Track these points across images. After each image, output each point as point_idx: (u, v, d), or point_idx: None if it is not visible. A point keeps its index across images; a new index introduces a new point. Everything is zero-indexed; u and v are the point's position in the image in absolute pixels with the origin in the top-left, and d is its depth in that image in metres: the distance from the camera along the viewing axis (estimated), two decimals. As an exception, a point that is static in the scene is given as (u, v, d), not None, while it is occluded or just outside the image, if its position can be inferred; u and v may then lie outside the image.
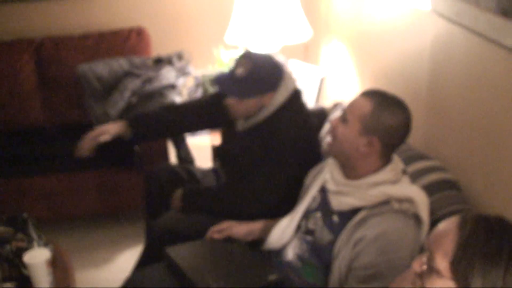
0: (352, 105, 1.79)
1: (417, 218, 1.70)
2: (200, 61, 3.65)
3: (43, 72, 3.58)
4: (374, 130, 1.74)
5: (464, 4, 1.84)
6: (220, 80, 2.28)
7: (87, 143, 2.47)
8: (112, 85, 3.37)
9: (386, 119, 1.74)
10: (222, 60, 3.40)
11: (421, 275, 1.16)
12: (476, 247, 1.08)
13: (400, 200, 1.71)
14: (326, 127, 1.95)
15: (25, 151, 3.36)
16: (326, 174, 1.91)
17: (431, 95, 2.23)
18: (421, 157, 2.06)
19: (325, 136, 1.89)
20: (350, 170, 1.82)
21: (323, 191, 1.92)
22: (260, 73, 2.19)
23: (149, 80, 3.32)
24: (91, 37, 3.65)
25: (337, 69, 3.34)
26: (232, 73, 2.23)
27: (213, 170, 2.68)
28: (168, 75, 3.37)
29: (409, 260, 1.51)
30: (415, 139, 2.11)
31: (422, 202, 1.71)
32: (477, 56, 1.86)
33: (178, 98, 3.25)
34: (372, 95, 1.78)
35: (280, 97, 2.22)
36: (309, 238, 1.89)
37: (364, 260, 1.68)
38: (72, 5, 3.80)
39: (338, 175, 1.85)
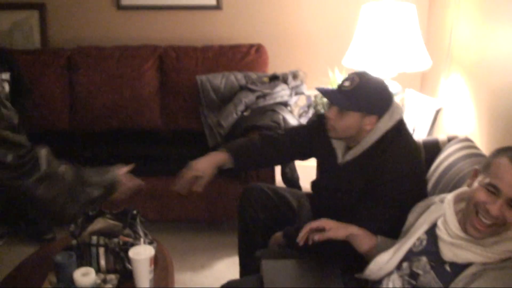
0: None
1: None
2: (314, 81, 3.65)
3: (164, 78, 3.75)
4: None
5: None
6: (326, 90, 2.24)
7: (184, 184, 2.46)
8: (227, 97, 3.46)
9: None
10: (336, 82, 3.39)
11: None
12: None
13: None
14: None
15: (140, 152, 3.52)
16: (438, 221, 1.82)
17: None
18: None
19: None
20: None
21: (430, 234, 1.84)
22: (367, 91, 2.10)
23: (263, 96, 3.37)
24: (212, 50, 3.77)
25: (454, 101, 3.23)
26: (339, 86, 2.17)
27: (307, 195, 2.64)
28: (282, 92, 3.41)
29: None
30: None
31: None
32: None
33: (289, 116, 3.26)
34: None
35: (383, 125, 2.12)
36: (413, 282, 1.81)
37: None
38: (196, 17, 3.96)
39: (455, 227, 1.73)
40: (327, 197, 2.29)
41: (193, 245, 3.39)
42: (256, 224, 2.50)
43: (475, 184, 1.69)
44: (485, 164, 1.69)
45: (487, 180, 1.64)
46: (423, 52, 3.19)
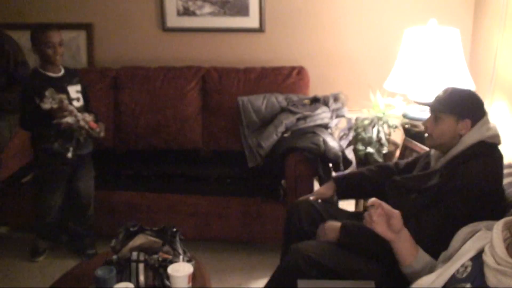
0: None
1: None
2: (355, 104, 3.65)
3: (206, 99, 3.80)
4: None
5: None
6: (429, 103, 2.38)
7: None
8: (268, 119, 3.48)
9: None
10: (378, 106, 3.37)
11: None
12: None
13: None
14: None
15: (180, 170, 3.58)
16: (485, 247, 1.79)
17: None
18: None
19: None
20: None
21: (476, 261, 1.81)
22: (459, 96, 2.25)
23: (304, 118, 3.38)
24: (254, 71, 3.81)
25: (497, 126, 3.17)
26: (435, 97, 2.31)
27: (357, 214, 2.63)
28: (322, 115, 3.41)
29: None
30: None
31: None
32: None
33: (329, 138, 3.26)
34: None
35: (476, 133, 2.20)
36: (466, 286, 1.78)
37: None
38: (239, 40, 4.02)
39: (502, 253, 1.71)
40: (399, 197, 2.36)
41: (231, 264, 3.39)
42: (300, 236, 2.50)
43: None
44: None
45: None
46: (466, 76, 3.16)
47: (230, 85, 3.77)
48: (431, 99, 3.12)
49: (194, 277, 2.25)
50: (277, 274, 2.33)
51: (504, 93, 3.12)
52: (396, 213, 2.00)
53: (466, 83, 3.13)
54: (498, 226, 1.78)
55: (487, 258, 1.72)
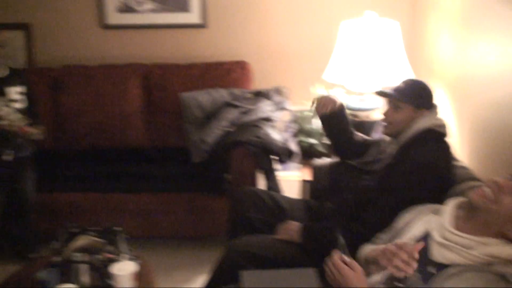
0: None
1: None
2: (297, 97, 3.69)
3: (149, 96, 3.77)
4: None
5: None
6: (383, 91, 2.45)
7: None
8: (211, 114, 3.48)
9: None
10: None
11: None
12: None
13: (505, 262, 1.64)
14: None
15: (124, 169, 3.54)
16: (433, 223, 1.85)
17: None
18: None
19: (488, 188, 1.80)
20: (470, 227, 1.74)
21: (424, 238, 1.86)
22: (419, 88, 2.37)
23: (247, 112, 3.39)
24: (196, 67, 3.80)
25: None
26: (394, 88, 2.40)
27: (302, 201, 2.68)
28: (265, 108, 3.44)
29: None
30: None
31: None
32: None
33: (272, 131, 3.28)
34: None
35: (428, 120, 2.32)
36: (399, 284, 1.83)
37: None
38: (181, 36, 4.00)
39: (449, 224, 1.78)
40: (353, 180, 2.47)
41: (178, 261, 3.38)
42: (244, 222, 2.53)
43: None
44: None
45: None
46: (406, 67, 3.23)
47: (173, 81, 3.75)
48: (371, 89, 3.22)
49: (139, 276, 2.23)
50: (217, 271, 2.34)
51: (443, 82, 3.21)
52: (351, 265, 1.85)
53: (405, 73, 3.20)
54: (451, 204, 1.85)
55: (435, 233, 1.79)
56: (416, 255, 1.74)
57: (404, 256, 1.75)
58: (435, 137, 2.31)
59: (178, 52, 4.02)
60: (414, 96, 2.35)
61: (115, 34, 4.04)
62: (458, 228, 1.76)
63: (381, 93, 2.45)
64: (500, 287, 1.60)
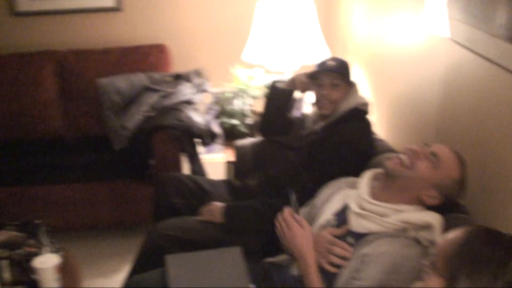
0: (448, 160, 1.78)
1: (431, 243, 1.69)
2: (218, 78, 3.68)
3: (64, 83, 3.64)
4: (445, 193, 1.78)
5: (477, 31, 1.85)
6: (319, 70, 2.45)
7: None
8: (131, 99, 3.41)
9: (457, 193, 1.81)
10: (239, 78, 3.43)
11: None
12: (469, 251, 1.17)
13: (418, 228, 1.72)
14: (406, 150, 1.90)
15: (43, 160, 3.41)
16: (351, 194, 1.90)
17: (442, 121, 2.22)
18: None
19: (397, 156, 1.87)
20: (387, 195, 1.81)
21: (339, 214, 1.91)
22: (347, 65, 2.45)
23: (167, 96, 3.36)
24: (113, 52, 3.71)
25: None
26: (326, 67, 2.42)
27: (225, 182, 2.69)
28: (185, 91, 3.41)
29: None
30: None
31: (439, 227, 1.71)
32: (488, 83, 1.86)
33: (194, 114, 3.27)
34: (464, 165, 1.80)
35: (352, 100, 2.40)
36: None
37: (365, 273, 1.68)
38: (95, 20, 3.88)
39: (366, 194, 1.84)
40: (277, 154, 2.52)
41: (105, 250, 3.33)
42: (168, 207, 2.52)
43: None
44: None
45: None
46: (322, 45, 3.29)
47: (89, 67, 3.64)
48: (290, 68, 3.27)
49: (63, 268, 2.18)
50: (141, 257, 2.33)
51: (358, 58, 3.29)
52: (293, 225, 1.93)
53: (322, 50, 3.26)
54: (366, 176, 1.92)
55: (352, 204, 1.85)
56: (348, 253, 1.78)
57: (338, 251, 1.80)
58: (359, 115, 2.40)
59: (93, 37, 3.91)
60: (348, 74, 2.44)
61: (27, 21, 3.87)
62: (374, 197, 1.83)
63: (325, 70, 2.43)
64: (414, 250, 1.68)
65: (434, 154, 1.78)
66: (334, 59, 2.45)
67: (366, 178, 1.92)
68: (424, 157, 1.79)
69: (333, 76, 2.40)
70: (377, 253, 1.68)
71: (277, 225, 1.96)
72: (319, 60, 2.49)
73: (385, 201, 1.80)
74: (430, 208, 1.79)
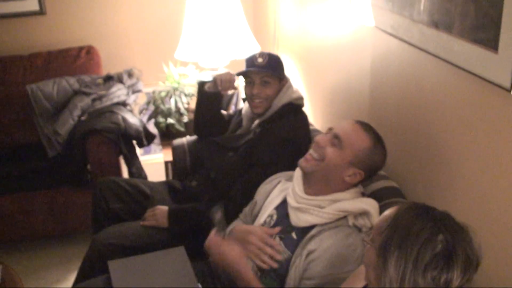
0: (351, 135, 1.82)
1: (370, 229, 1.75)
2: (151, 78, 3.66)
3: (-8, 92, 3.52)
4: (364, 165, 1.81)
5: (400, 18, 1.91)
6: (246, 70, 2.42)
7: None
8: (62, 104, 3.34)
9: (377, 158, 1.84)
10: (172, 77, 3.41)
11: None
12: (400, 223, 1.22)
13: (356, 216, 1.77)
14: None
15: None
16: (289, 190, 1.93)
17: (373, 108, 2.29)
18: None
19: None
20: (316, 189, 1.85)
21: (281, 208, 1.94)
22: (277, 59, 2.44)
23: (99, 98, 3.31)
24: (40, 57, 3.62)
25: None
26: (254, 64, 2.40)
27: (165, 183, 2.68)
28: (118, 92, 3.37)
29: None
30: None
31: (376, 212, 1.77)
32: (411, 65, 1.93)
33: (128, 115, 3.24)
34: (369, 130, 1.84)
35: (286, 95, 2.40)
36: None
37: (313, 271, 1.71)
38: (19, 25, 3.77)
39: (300, 190, 1.87)
40: (216, 155, 2.49)
41: (46, 261, 3.26)
42: (107, 214, 2.50)
43: None
44: None
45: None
46: (251, 39, 3.32)
47: (15, 74, 3.53)
48: (221, 63, 3.28)
49: (4, 282, 2.14)
50: (84, 269, 2.30)
51: (288, 51, 3.34)
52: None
53: (251, 45, 3.28)
54: (298, 170, 1.95)
55: (290, 199, 1.88)
56: (279, 256, 1.82)
57: (269, 251, 1.83)
58: (294, 110, 2.41)
59: (18, 42, 3.79)
60: (279, 69, 2.43)
61: None
62: (307, 192, 1.86)
63: (254, 68, 2.41)
64: (356, 237, 1.73)
65: (336, 137, 1.82)
66: (262, 54, 2.41)
67: (298, 173, 1.95)
68: (328, 144, 1.83)
69: (262, 73, 2.40)
70: (321, 248, 1.72)
71: (207, 253, 1.96)
72: (247, 55, 2.49)
73: (317, 194, 1.84)
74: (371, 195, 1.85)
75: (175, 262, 1.99)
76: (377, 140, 1.85)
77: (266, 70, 2.38)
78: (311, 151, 1.87)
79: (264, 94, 2.39)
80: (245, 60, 2.46)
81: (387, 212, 1.29)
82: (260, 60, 2.39)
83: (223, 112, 2.78)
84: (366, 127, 1.86)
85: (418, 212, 1.23)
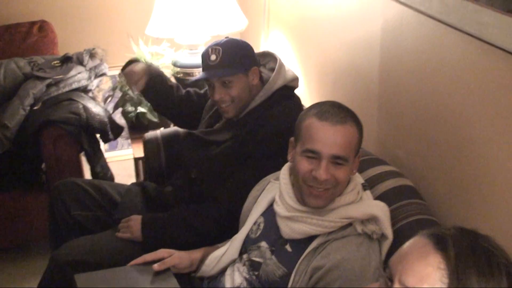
0: (345, 142, 1.75)
1: (382, 236, 1.74)
2: (117, 59, 3.61)
3: None
4: (359, 148, 1.81)
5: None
6: (200, 77, 2.41)
7: None
8: (10, 92, 3.31)
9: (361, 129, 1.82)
10: (143, 57, 3.38)
11: None
12: (468, 265, 1.11)
13: (363, 221, 1.74)
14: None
15: None
16: (276, 196, 1.90)
17: (383, 91, 2.27)
18: (377, 162, 2.11)
19: None
20: None
21: (268, 214, 1.92)
22: (234, 51, 2.34)
23: (56, 84, 3.28)
24: (-19, 34, 3.59)
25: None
26: (207, 66, 2.35)
27: (136, 185, 2.65)
28: (78, 76, 3.35)
29: None
30: (368, 143, 2.14)
31: (386, 217, 1.75)
32: (429, 41, 1.91)
33: (91, 104, 3.21)
34: (350, 119, 1.78)
35: (280, 77, 2.35)
36: (255, 273, 1.87)
37: None
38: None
39: (290, 199, 1.83)
40: (198, 150, 2.46)
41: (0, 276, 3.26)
42: (68, 223, 2.47)
43: (296, 156, 1.79)
44: (297, 131, 1.83)
45: (304, 147, 1.76)
46: (236, 10, 3.29)
47: (-46, 56, 3.51)
48: (201, 39, 3.25)
49: None
50: (45, 283, 2.27)
51: (281, 24, 3.32)
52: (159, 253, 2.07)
53: (237, 18, 3.26)
54: (284, 172, 1.91)
55: (278, 207, 1.85)
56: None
57: None
58: (286, 94, 2.38)
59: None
60: (239, 61, 2.33)
61: None
62: (301, 202, 1.81)
63: (202, 80, 2.42)
64: (372, 246, 1.71)
65: (336, 157, 1.73)
66: (214, 50, 2.33)
67: (284, 176, 1.90)
68: (332, 168, 1.74)
69: (215, 77, 2.34)
70: (331, 264, 1.68)
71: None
72: (202, 50, 2.45)
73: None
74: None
75: (144, 275, 2.01)
76: (355, 118, 1.80)
77: (222, 71, 2.31)
78: (314, 186, 1.76)
79: (228, 96, 2.32)
80: (201, 57, 2.41)
81: (416, 249, 1.17)
82: (213, 57, 2.33)
83: (190, 90, 2.76)
84: (344, 118, 1.77)
85: (470, 245, 1.14)
